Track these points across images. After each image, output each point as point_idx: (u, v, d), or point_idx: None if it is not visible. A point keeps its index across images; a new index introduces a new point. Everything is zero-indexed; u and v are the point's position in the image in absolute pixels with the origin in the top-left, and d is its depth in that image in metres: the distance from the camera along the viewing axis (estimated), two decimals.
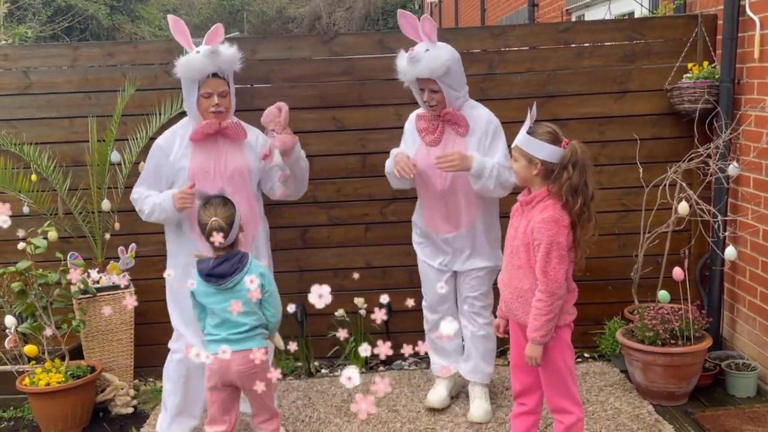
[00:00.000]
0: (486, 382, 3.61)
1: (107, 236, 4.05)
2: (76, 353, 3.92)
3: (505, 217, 3.94)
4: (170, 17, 3.08)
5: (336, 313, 4.24)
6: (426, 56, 3.06)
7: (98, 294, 3.89)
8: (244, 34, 24.38)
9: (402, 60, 3.16)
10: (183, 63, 2.96)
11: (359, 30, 24.60)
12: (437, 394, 3.59)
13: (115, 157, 4.02)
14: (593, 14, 6.21)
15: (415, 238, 3.58)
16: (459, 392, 3.79)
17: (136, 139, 4.05)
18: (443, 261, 3.46)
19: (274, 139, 3.10)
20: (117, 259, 4.05)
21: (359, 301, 4.22)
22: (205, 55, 2.96)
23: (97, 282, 3.95)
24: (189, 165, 3.08)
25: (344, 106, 4.14)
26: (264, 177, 3.28)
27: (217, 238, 2.58)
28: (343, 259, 4.28)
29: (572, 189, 2.53)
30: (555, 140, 2.61)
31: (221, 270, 2.69)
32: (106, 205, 4.02)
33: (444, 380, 3.67)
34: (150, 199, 3.10)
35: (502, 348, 4.16)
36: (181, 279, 3.06)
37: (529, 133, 2.63)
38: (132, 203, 3.25)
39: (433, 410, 3.58)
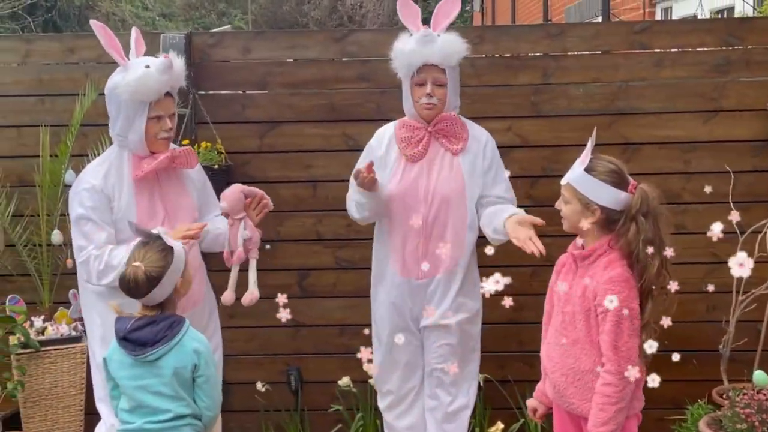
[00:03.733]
0: None
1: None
2: (13, 422, 3.95)
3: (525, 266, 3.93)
4: (95, 24, 3.08)
5: (340, 382, 4.22)
6: (440, 39, 3.23)
7: (43, 349, 3.92)
8: (248, 16, 24.77)
9: (407, 41, 3.28)
10: (134, 82, 2.95)
11: (392, 14, 24.85)
12: None
13: (70, 177, 4.04)
14: (683, 8, 6.20)
15: (376, 289, 3.60)
16: None
17: (98, 155, 3.91)
18: (411, 315, 3.47)
19: (247, 239, 3.14)
20: (68, 304, 4.09)
21: (371, 368, 4.17)
22: (160, 71, 2.98)
23: (42, 333, 3.99)
24: (137, 211, 3.04)
25: (359, 120, 4.20)
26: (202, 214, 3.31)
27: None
28: (352, 313, 4.26)
29: (646, 245, 2.51)
30: (620, 182, 2.62)
31: (142, 335, 2.60)
32: (57, 236, 4.07)
33: None
34: (119, 252, 2.94)
35: None
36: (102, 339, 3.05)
37: (588, 170, 2.62)
38: (84, 267, 3.03)
39: None
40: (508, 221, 3.16)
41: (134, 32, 3.13)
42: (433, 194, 3.32)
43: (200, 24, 26.42)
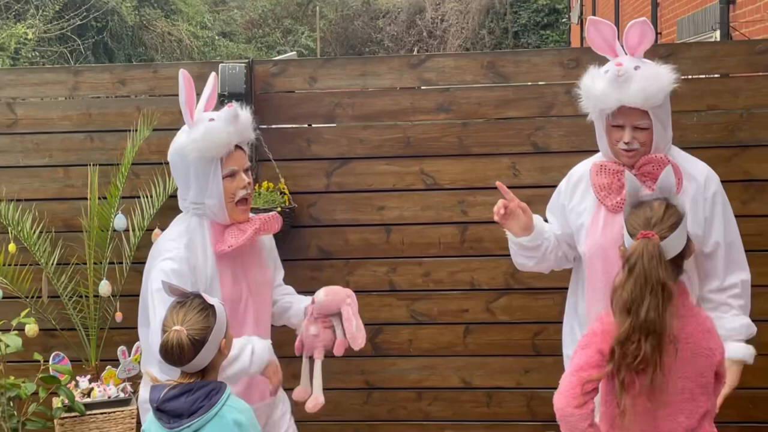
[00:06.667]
0: None
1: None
2: None
3: None
4: (183, 74, 3.07)
5: None
6: (639, 75, 3.03)
7: (88, 413, 3.99)
8: (316, 33, 25.23)
9: (598, 79, 3.10)
10: (200, 137, 2.99)
11: (478, 28, 24.96)
12: None
13: (119, 222, 4.22)
14: None
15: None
16: None
17: (151, 196, 4.24)
18: None
19: (315, 335, 3.18)
20: (117, 363, 4.17)
21: None
22: (227, 121, 3.03)
23: (88, 395, 4.09)
24: (222, 291, 3.02)
25: (438, 156, 4.28)
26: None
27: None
28: (430, 375, 4.33)
29: (622, 304, 2.53)
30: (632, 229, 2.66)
31: (176, 405, 2.58)
32: (105, 287, 4.20)
33: None
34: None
35: None
36: None
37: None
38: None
39: None
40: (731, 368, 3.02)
41: (211, 79, 3.19)
42: None
43: (263, 43, 27.04)
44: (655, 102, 3.02)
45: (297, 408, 4.00)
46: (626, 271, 2.55)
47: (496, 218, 3.15)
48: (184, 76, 3.07)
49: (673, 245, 2.58)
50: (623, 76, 3.00)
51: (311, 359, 3.22)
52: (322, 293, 3.17)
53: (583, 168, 3.29)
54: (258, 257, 3.20)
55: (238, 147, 3.09)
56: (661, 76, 3.04)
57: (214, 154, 2.99)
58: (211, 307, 2.67)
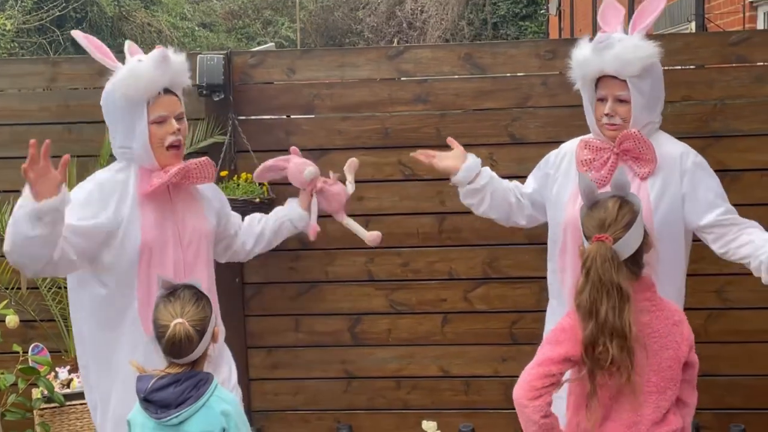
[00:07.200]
0: None
1: None
2: None
3: None
4: (76, 34, 3.10)
5: None
6: (619, 44, 3.09)
7: (68, 403, 4.01)
8: (296, 24, 25.19)
9: (585, 48, 3.19)
10: (125, 76, 2.95)
11: (458, 19, 25.00)
12: None
13: None
14: None
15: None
16: None
17: None
18: None
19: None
20: None
21: (430, 426, 4.22)
22: (154, 62, 2.97)
23: (67, 386, 4.09)
24: (142, 234, 2.95)
25: (416, 146, 4.07)
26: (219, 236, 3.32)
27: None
28: (409, 364, 4.36)
29: (583, 308, 2.57)
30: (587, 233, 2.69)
31: (164, 396, 2.58)
32: None
33: None
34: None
35: None
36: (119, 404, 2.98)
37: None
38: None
39: None
40: None
41: (127, 43, 3.16)
42: None
43: (243, 34, 26.98)
44: (631, 71, 3.06)
45: (278, 398, 4.24)
46: (584, 274, 2.59)
47: (422, 159, 3.42)
48: (79, 36, 3.07)
49: (628, 244, 2.60)
50: (603, 42, 3.07)
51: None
52: (308, 169, 3.42)
53: (573, 144, 3.36)
54: (193, 204, 3.14)
55: (169, 92, 3.02)
56: (641, 47, 3.09)
57: (140, 94, 2.93)
58: (205, 296, 2.68)
